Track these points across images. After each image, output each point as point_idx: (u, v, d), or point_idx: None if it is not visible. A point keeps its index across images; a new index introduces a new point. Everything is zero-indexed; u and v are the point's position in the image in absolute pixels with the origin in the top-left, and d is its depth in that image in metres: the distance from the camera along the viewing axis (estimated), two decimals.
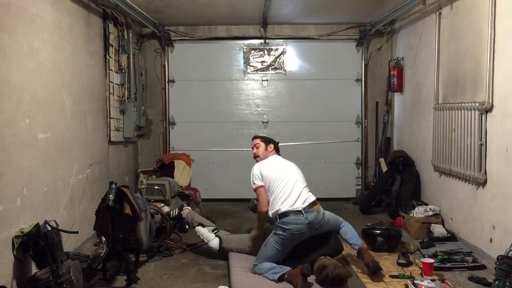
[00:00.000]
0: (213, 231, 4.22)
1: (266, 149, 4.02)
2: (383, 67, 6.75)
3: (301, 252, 3.63)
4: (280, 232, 3.55)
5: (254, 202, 4.54)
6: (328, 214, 3.81)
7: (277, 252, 3.60)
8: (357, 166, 6.85)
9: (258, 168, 3.85)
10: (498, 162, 3.67)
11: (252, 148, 4.12)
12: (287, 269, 3.44)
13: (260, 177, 3.79)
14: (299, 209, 3.57)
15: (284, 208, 3.58)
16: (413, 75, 5.72)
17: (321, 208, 3.72)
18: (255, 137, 4.17)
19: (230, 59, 6.78)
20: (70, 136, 4.05)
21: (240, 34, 6.74)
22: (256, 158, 4.05)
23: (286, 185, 3.68)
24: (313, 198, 3.72)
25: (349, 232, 3.82)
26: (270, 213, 3.71)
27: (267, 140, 4.08)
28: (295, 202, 3.60)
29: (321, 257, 3.54)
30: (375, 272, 3.55)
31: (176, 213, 4.83)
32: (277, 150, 4.09)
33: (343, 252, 3.95)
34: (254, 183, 3.83)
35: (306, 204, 3.61)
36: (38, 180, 3.43)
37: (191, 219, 4.51)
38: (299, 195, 3.65)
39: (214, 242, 4.12)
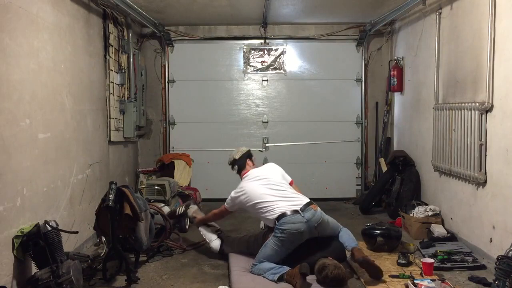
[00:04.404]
0: (216, 231, 4.23)
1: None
2: (383, 67, 6.75)
3: (303, 254, 3.61)
4: (279, 234, 3.55)
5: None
6: (329, 217, 3.82)
7: (277, 254, 3.59)
8: (357, 166, 6.85)
9: (243, 192, 3.86)
10: (498, 162, 3.67)
11: None
12: (286, 269, 3.44)
13: (243, 202, 3.84)
14: (296, 209, 3.62)
15: (281, 209, 3.63)
16: (413, 75, 5.72)
17: (318, 208, 3.76)
18: None
19: (230, 59, 6.77)
20: (70, 136, 4.05)
21: (240, 34, 6.74)
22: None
23: (276, 196, 3.75)
24: (307, 199, 3.80)
25: (345, 236, 3.80)
26: (269, 223, 3.77)
27: (231, 163, 4.19)
28: (289, 204, 3.68)
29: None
30: (368, 266, 3.42)
31: (182, 211, 4.82)
32: (244, 164, 4.13)
33: None
34: (227, 203, 4.00)
35: (302, 204, 3.68)
36: (38, 180, 3.43)
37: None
38: (291, 198, 3.76)
39: (215, 243, 4.13)
